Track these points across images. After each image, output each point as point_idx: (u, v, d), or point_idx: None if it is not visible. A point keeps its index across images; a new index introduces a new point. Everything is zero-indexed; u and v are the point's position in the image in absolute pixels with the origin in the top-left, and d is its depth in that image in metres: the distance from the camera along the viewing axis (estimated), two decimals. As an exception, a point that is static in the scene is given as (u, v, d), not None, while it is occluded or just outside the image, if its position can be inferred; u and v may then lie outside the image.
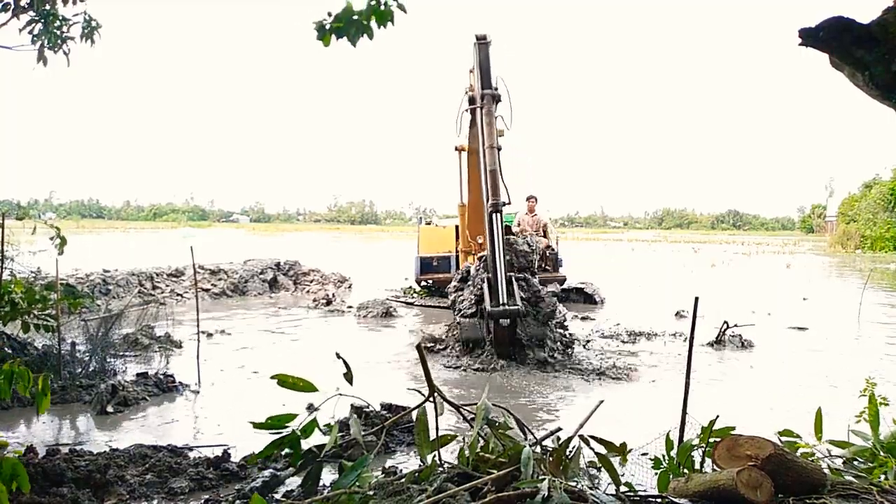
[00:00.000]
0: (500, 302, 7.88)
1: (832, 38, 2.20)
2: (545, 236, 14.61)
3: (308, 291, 16.60)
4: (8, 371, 2.65)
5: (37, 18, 5.29)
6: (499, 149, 8.31)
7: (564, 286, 14.23)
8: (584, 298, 14.77)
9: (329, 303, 14.12)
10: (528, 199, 14.59)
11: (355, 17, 2.94)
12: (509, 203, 8.52)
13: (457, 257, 14.11)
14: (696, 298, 4.56)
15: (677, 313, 12.70)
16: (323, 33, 2.95)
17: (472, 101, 8.99)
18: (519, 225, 14.47)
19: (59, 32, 5.38)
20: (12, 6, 5.18)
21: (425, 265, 14.62)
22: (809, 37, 2.23)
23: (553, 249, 14.23)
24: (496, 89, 8.65)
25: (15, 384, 2.67)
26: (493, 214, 8.19)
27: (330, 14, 2.95)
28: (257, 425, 2.80)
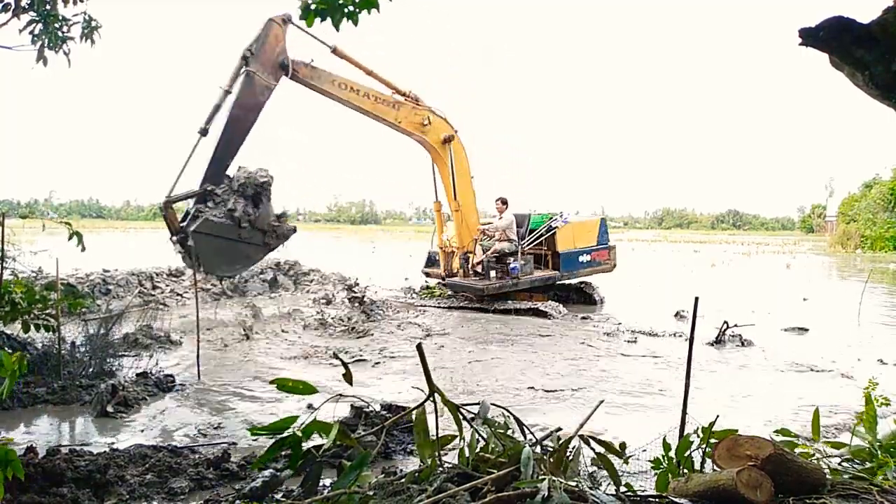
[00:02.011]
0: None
1: (832, 37, 2.19)
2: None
3: (308, 291, 16.61)
4: None
5: (37, 18, 5.29)
6: (227, 92, 10.15)
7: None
8: (583, 298, 14.76)
9: (329, 303, 14.13)
10: (496, 200, 14.17)
11: (340, 2, 2.95)
12: (206, 134, 10.03)
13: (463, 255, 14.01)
14: (696, 298, 4.56)
15: (677, 313, 12.70)
16: (307, 13, 2.97)
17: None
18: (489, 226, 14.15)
19: (59, 33, 5.38)
20: (12, 6, 5.18)
21: (430, 260, 14.90)
22: (809, 37, 2.23)
23: (488, 257, 13.41)
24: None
25: None
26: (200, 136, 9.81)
27: None
28: (256, 430, 2.80)
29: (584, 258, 14.54)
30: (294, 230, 11.19)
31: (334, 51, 11.33)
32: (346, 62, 11.55)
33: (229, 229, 10.13)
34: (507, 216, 13.85)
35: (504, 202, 13.97)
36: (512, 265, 13.30)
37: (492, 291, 13.09)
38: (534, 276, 13.72)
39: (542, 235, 13.96)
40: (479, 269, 13.59)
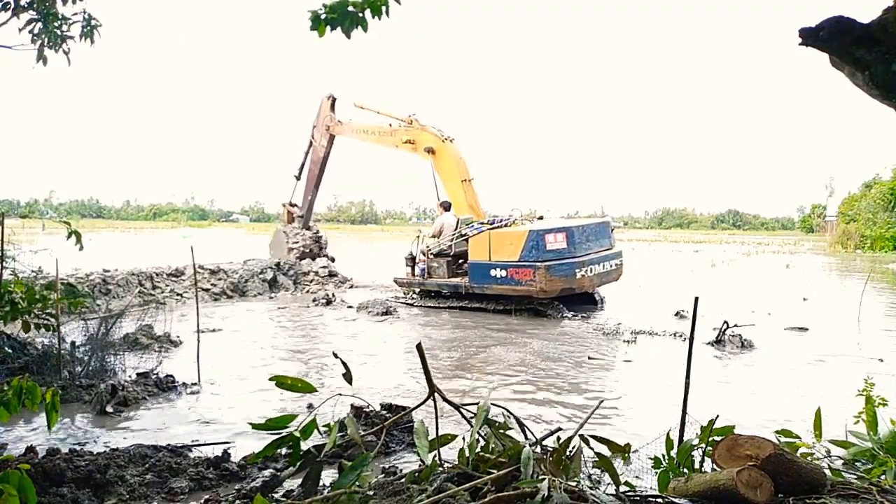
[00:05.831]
0: None
1: (832, 37, 2.19)
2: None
3: (308, 291, 16.61)
4: (17, 386, 2.66)
5: (36, 17, 5.28)
6: (306, 153, 18.51)
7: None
8: (583, 298, 14.73)
9: (329, 303, 14.13)
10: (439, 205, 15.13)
11: (350, 9, 2.95)
12: (300, 178, 18.32)
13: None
14: (696, 298, 4.56)
15: (677, 313, 12.69)
16: (317, 23, 2.96)
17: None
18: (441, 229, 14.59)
19: (58, 31, 5.37)
20: (12, 5, 5.18)
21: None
22: (809, 37, 2.23)
23: (409, 257, 14.81)
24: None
25: (24, 399, 2.69)
26: (296, 179, 17.13)
27: (325, 5, 2.96)
28: (256, 426, 2.80)
29: (498, 273, 12.71)
30: (310, 258, 18.84)
31: (354, 104, 17.15)
32: (358, 107, 17.14)
33: (282, 237, 19.19)
34: (439, 220, 14.81)
35: (443, 206, 14.91)
36: (420, 266, 14.14)
37: (404, 286, 14.96)
38: (440, 280, 13.99)
39: (452, 239, 14.03)
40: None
